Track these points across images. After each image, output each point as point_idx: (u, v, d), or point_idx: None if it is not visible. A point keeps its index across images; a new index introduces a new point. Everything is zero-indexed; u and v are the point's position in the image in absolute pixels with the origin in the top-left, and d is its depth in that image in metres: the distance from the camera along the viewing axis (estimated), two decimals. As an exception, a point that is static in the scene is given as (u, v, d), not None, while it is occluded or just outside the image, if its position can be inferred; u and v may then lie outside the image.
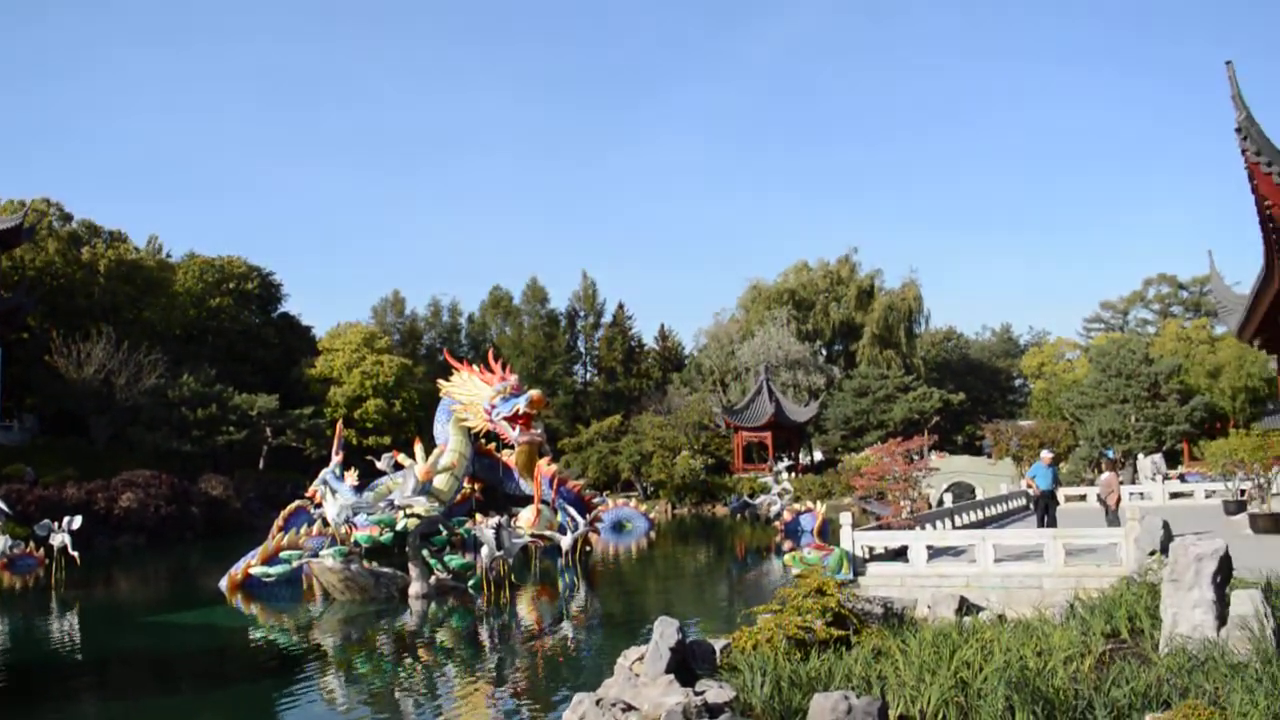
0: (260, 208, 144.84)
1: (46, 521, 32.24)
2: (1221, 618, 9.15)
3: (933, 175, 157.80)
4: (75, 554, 31.03)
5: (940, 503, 31.74)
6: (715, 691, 9.13)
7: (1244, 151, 18.23)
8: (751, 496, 55.55)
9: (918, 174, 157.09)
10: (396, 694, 14.53)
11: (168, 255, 75.11)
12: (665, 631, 9.47)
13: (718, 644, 10.71)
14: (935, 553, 18.13)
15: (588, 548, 32.59)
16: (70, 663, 18.21)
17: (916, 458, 26.13)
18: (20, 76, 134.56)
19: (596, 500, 37.63)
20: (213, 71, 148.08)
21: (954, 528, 22.94)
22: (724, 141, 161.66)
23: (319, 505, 28.07)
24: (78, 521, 31.89)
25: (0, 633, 21.98)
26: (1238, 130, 18.27)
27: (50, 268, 63.04)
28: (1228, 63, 18.81)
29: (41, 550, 32.02)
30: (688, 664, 9.70)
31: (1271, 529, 21.23)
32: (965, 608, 14.69)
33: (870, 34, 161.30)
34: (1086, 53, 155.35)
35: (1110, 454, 52.15)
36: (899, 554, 18.06)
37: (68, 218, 69.99)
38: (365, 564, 23.83)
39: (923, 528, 20.61)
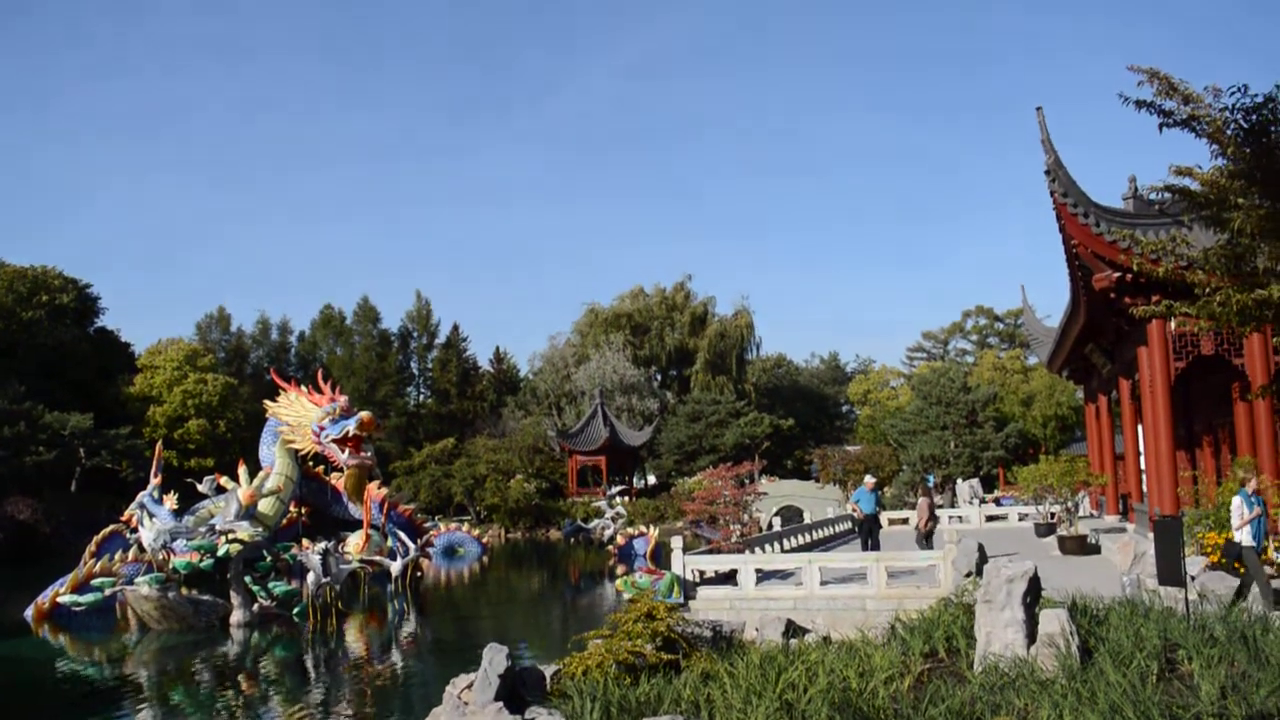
0: (78, 217, 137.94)
1: None
2: (1031, 636, 9.56)
3: (765, 200, 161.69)
4: None
5: (770, 526, 32.36)
6: (545, 718, 9.07)
7: (1052, 194, 19.28)
8: (585, 521, 55.62)
9: (749, 198, 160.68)
10: (213, 727, 13.96)
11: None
12: (494, 659, 9.36)
13: (548, 670, 10.64)
14: (764, 576, 18.47)
15: (419, 573, 32.00)
16: None
17: (747, 482, 26.58)
18: None
19: (428, 525, 37.05)
20: (32, 68, 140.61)
21: (783, 551, 23.43)
22: (562, 160, 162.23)
23: (135, 530, 26.78)
24: None
25: None
26: (1047, 173, 19.31)
27: None
28: (1038, 108, 19.89)
29: None
30: (518, 691, 9.61)
31: (1077, 550, 22.42)
32: (792, 630, 14.98)
33: (722, 49, 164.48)
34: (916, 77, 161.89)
35: (931, 479, 54.22)
36: (729, 578, 18.32)
37: None
38: (184, 591, 22.84)
39: (752, 551, 20.99)
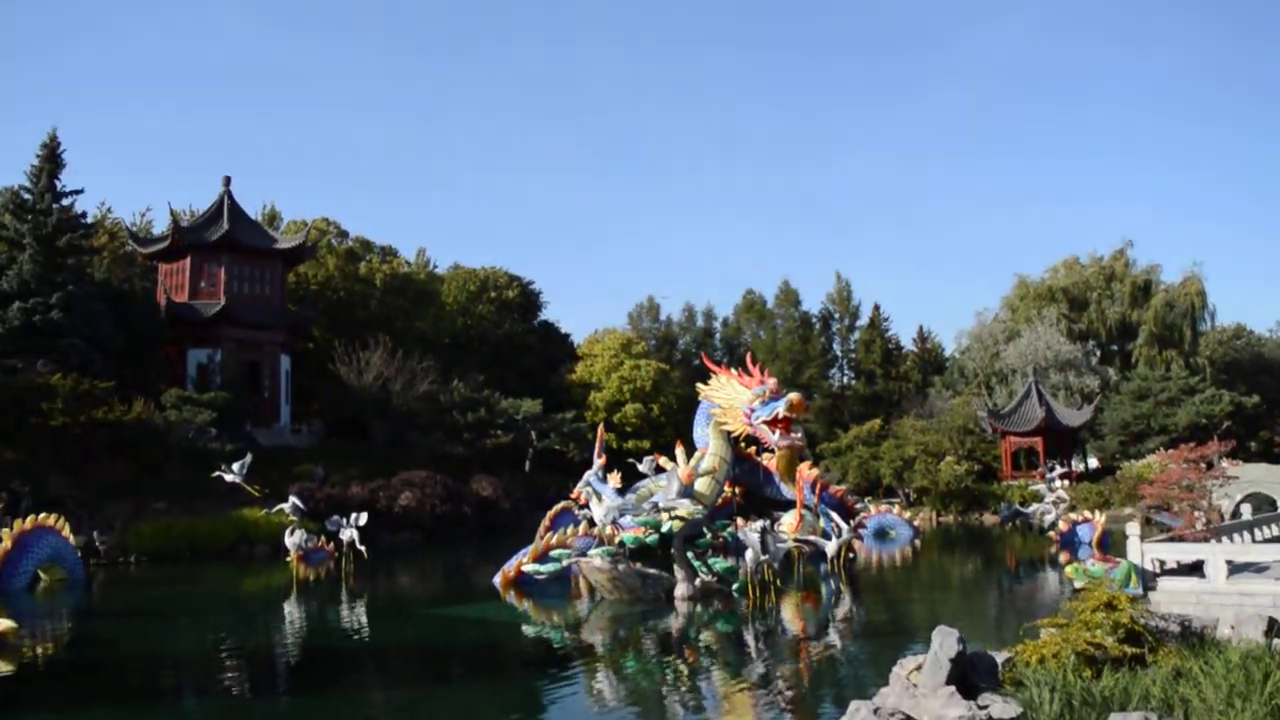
0: (515, 216, 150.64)
1: (336, 517, 34.47)
2: None
3: (1213, 162, 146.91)
4: (362, 548, 32.97)
5: (1236, 515, 29.28)
6: (1000, 706, 8.65)
7: None
8: (1023, 505, 53.13)
9: (1190, 151, 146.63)
10: (663, 693, 14.59)
11: (434, 267, 79.27)
12: (945, 642, 9.03)
13: (999, 657, 10.16)
14: (1236, 568, 16.68)
15: (851, 554, 31.97)
16: (358, 649, 19.32)
17: (1211, 465, 24.15)
18: (299, 105, 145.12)
19: (859, 506, 36.87)
20: (451, 81, 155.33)
21: (1254, 542, 21.11)
22: (979, 135, 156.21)
23: (584, 506, 28.72)
24: (364, 518, 33.91)
25: (297, 619, 23.63)
26: None
27: (331, 282, 67.76)
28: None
29: (332, 544, 34.24)
30: (968, 677, 9.22)
31: None
32: (1276, 629, 13.39)
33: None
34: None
35: None
36: (1194, 569, 16.71)
37: (344, 235, 75.08)
38: (632, 565, 24.12)
39: (1219, 541, 19.03)
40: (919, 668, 9.28)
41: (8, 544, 26.28)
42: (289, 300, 61.97)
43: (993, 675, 9.64)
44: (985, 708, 8.63)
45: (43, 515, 28.59)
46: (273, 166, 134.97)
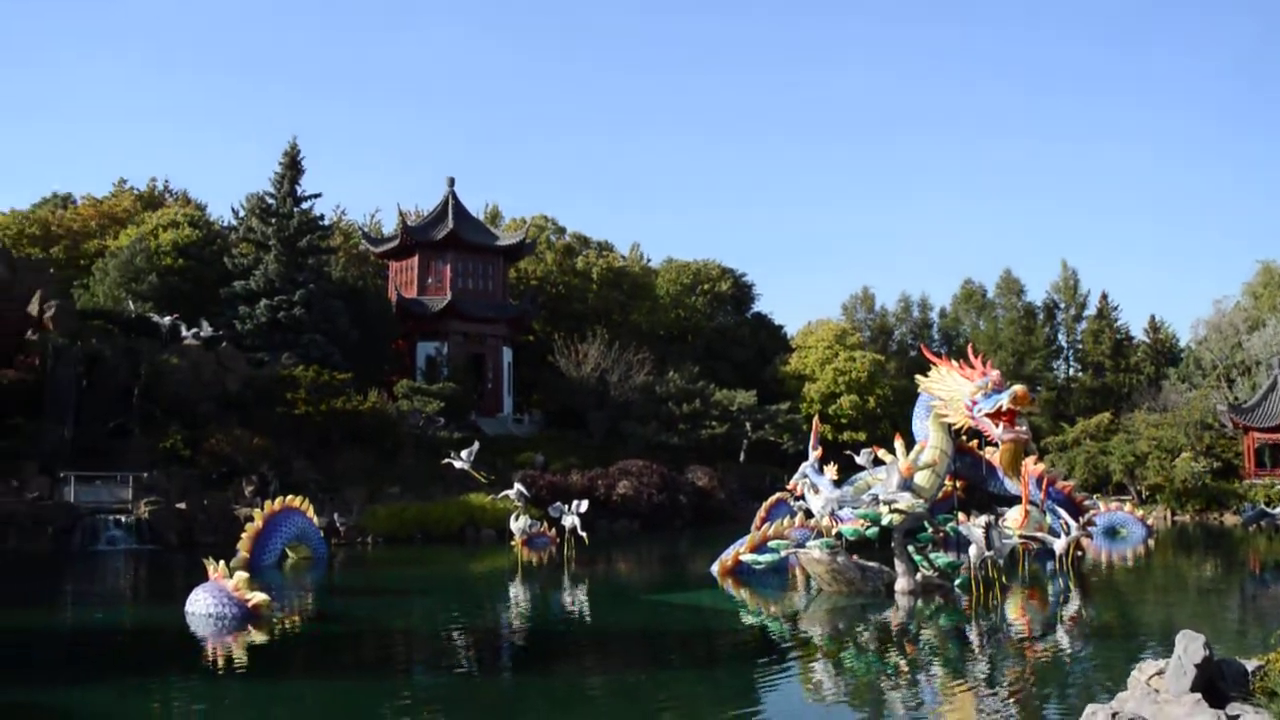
0: (727, 209, 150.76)
1: (558, 504, 35.43)
2: None
3: None
4: (583, 535, 33.78)
5: None
6: (1251, 716, 8.17)
7: None
8: (1269, 505, 49.72)
9: None
10: (882, 688, 14.39)
11: (648, 261, 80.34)
12: (1190, 647, 8.58)
13: (1249, 665, 9.58)
14: None
15: (1080, 553, 30.66)
16: (580, 632, 19.86)
17: None
18: (518, 106, 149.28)
19: (1088, 503, 35.30)
20: (657, 77, 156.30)
21: None
22: (1218, 113, 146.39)
23: (799, 498, 28.53)
24: (584, 505, 34.70)
25: (522, 601, 24.47)
26: None
27: (549, 277, 69.71)
28: None
29: (554, 530, 35.25)
30: (1216, 684, 8.74)
31: None
32: None
33: None
34: None
35: None
36: None
37: (561, 231, 77.04)
38: (851, 557, 23.85)
39: None
40: (1160, 672, 8.85)
41: (259, 523, 28.15)
42: (510, 295, 64.12)
43: (1242, 684, 9.10)
44: (1235, 717, 8.17)
45: (289, 497, 30.50)
46: (494, 166, 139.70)
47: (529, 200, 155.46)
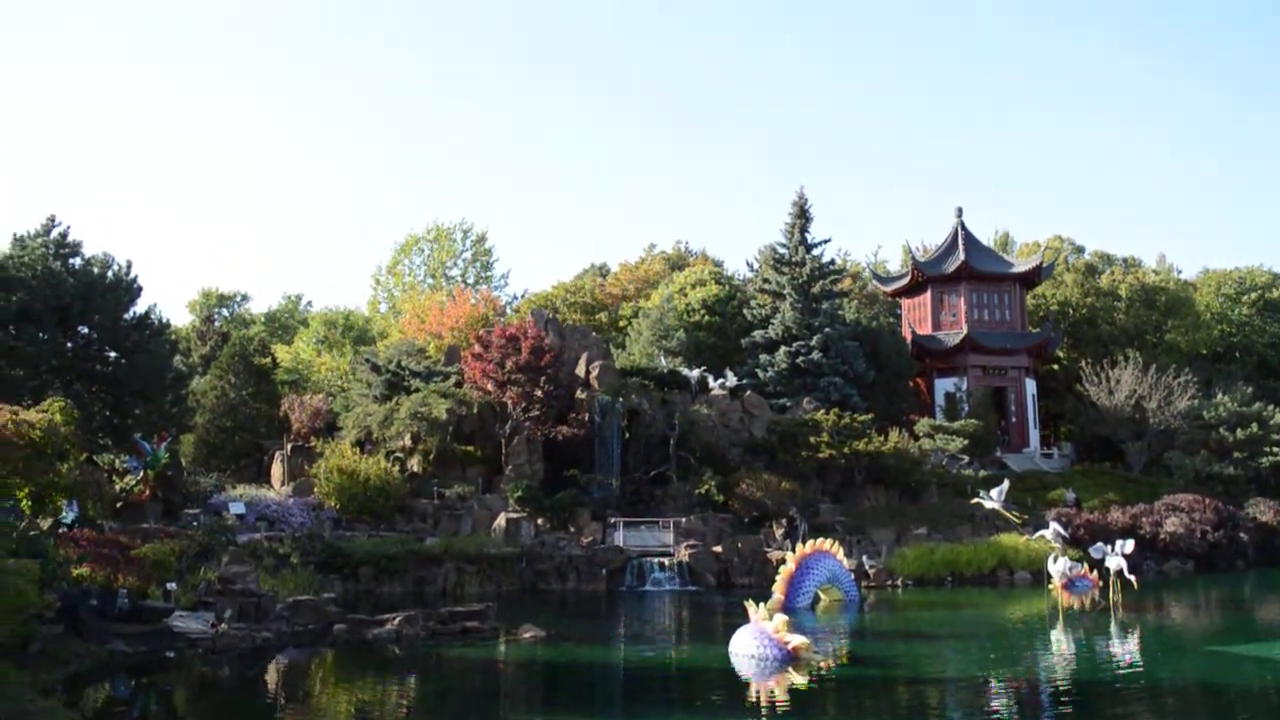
0: (1258, 206, 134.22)
1: (1099, 544, 33.21)
2: None
3: None
4: (1131, 578, 31.33)
5: None
6: None
7: None
8: None
9: None
10: None
11: (1179, 273, 73.56)
12: None
13: None
14: None
15: None
16: (1132, 685, 18.38)
17: None
18: (1022, 124, 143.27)
19: None
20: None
21: None
22: None
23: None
24: (1130, 545, 32.23)
25: (1066, 649, 23.08)
26: None
27: (1070, 300, 65.85)
28: None
29: (1095, 572, 32.99)
30: None
31: None
32: None
33: None
34: None
35: None
36: None
37: (1080, 250, 72.81)
38: None
39: None
40: None
41: (792, 566, 28.96)
42: (1029, 323, 61.60)
43: None
44: None
45: (819, 540, 31.14)
46: (1000, 190, 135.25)
47: (1040, 222, 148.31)
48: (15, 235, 38.53)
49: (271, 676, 19.65)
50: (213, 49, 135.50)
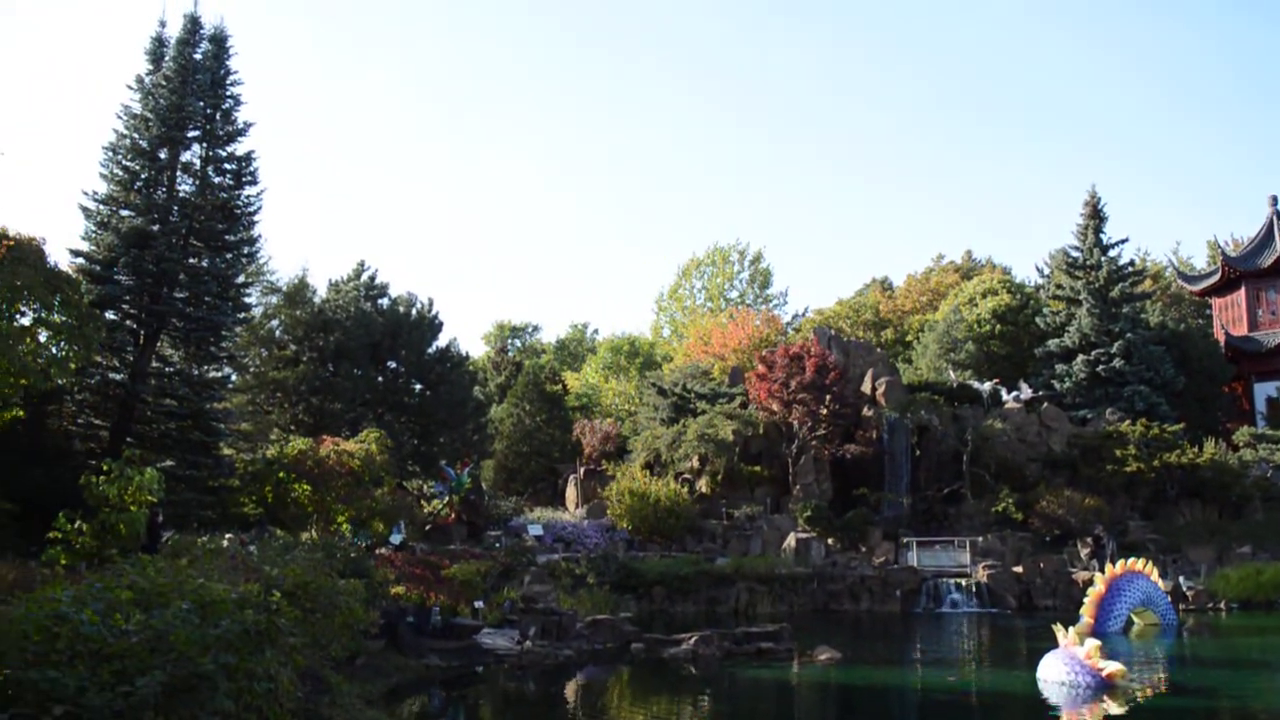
0: None
1: None
2: None
3: None
4: None
5: None
6: None
7: None
8: None
9: None
10: None
11: None
12: None
13: None
14: None
15: None
16: None
17: None
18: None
19: None
20: None
21: None
22: None
23: None
24: None
25: None
26: None
27: None
28: None
29: None
30: None
31: None
32: None
33: None
34: None
35: None
36: None
37: None
38: None
39: None
40: None
41: (1102, 588, 27.45)
42: None
43: None
44: None
45: (1131, 560, 29.36)
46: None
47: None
48: (330, 280, 42.22)
49: (572, 692, 20.49)
50: (496, 92, 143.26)
